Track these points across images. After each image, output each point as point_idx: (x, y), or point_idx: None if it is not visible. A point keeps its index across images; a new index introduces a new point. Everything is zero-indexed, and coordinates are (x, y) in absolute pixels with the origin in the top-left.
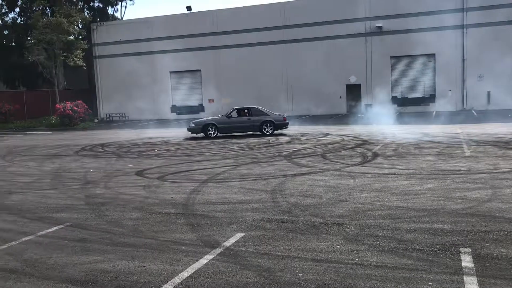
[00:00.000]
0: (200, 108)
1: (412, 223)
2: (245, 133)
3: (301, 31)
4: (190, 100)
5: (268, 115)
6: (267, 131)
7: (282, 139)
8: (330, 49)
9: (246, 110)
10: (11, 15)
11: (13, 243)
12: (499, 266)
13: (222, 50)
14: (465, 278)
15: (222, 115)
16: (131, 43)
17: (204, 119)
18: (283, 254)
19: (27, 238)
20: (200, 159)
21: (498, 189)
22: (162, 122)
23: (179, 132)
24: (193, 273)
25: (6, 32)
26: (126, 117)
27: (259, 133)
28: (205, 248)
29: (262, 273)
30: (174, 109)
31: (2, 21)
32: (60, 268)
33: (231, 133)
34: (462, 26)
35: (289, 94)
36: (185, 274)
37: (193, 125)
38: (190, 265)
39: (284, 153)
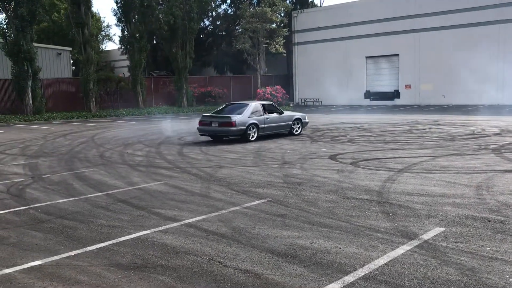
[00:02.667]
0: (395, 94)
1: None
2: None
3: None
4: (385, 86)
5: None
6: (296, 131)
7: (490, 130)
8: None
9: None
10: (223, 6)
11: (223, 211)
12: None
13: (423, 33)
14: None
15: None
16: (328, 29)
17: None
18: (489, 255)
19: (234, 208)
20: (394, 147)
21: None
22: (355, 108)
23: (371, 119)
24: (389, 261)
25: (218, 23)
26: (320, 102)
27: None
28: (401, 238)
29: (465, 272)
30: (368, 95)
31: (215, 13)
32: (262, 239)
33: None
34: None
35: (501, 80)
36: (381, 261)
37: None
38: (386, 253)
39: (492, 146)
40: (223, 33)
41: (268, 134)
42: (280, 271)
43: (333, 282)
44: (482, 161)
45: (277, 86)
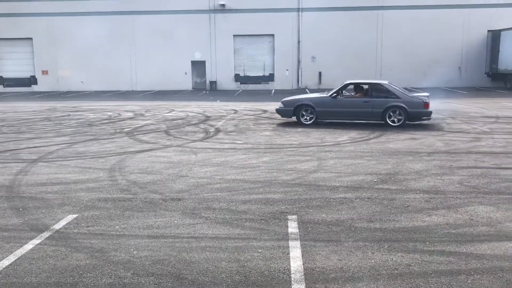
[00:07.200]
0: (32, 81)
1: (247, 195)
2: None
3: (143, 2)
4: (20, 71)
5: (398, 97)
6: (393, 121)
7: (125, 115)
8: (175, 23)
9: (365, 88)
10: None
11: None
12: (319, 229)
13: (58, 17)
14: (290, 243)
15: (325, 94)
16: None
17: (297, 97)
18: (118, 233)
19: None
20: (30, 136)
21: (323, 160)
22: None
23: (5, 107)
24: (16, 260)
25: None
26: None
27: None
28: (31, 233)
29: (94, 254)
30: (1, 81)
31: None
32: None
33: (337, 119)
34: (298, 9)
35: (134, 67)
36: (6, 262)
37: (281, 105)
38: (12, 252)
39: (126, 129)
40: None
41: None
42: None
43: None
44: (117, 144)
45: None
